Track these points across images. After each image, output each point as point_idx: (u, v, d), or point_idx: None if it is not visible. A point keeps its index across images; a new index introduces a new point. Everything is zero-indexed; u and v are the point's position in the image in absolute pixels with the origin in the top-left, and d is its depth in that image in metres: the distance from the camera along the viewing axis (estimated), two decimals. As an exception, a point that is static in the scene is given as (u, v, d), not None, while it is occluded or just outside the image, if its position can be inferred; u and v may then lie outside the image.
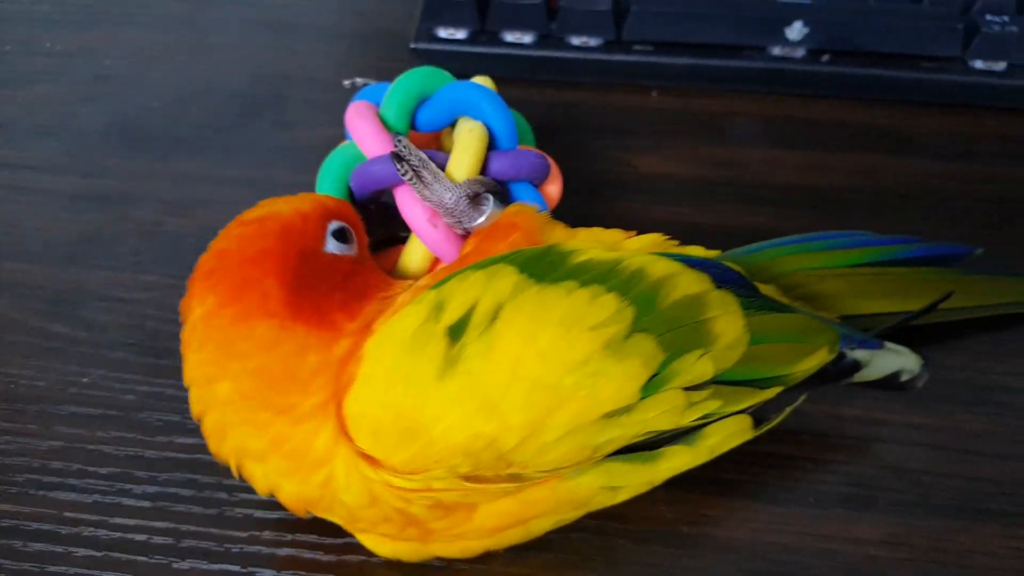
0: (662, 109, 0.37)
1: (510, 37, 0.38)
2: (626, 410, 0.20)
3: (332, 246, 0.23)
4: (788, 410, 0.24)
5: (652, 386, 0.21)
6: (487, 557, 0.23)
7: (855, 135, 0.37)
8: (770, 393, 0.22)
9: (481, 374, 0.20)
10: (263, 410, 0.21)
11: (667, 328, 0.21)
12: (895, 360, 0.25)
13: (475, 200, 0.25)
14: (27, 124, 0.36)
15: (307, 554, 0.24)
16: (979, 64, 0.37)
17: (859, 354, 0.24)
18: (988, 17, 0.38)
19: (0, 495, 0.25)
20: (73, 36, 0.40)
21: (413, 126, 0.28)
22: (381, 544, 0.22)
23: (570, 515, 0.23)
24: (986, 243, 0.32)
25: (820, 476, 0.26)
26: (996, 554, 0.25)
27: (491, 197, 0.25)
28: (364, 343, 0.21)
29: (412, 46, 0.38)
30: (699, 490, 0.25)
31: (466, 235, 0.25)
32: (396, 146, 0.25)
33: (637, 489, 0.22)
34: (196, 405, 0.22)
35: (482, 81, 0.29)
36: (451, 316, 0.20)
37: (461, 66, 0.37)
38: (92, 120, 0.36)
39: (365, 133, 0.26)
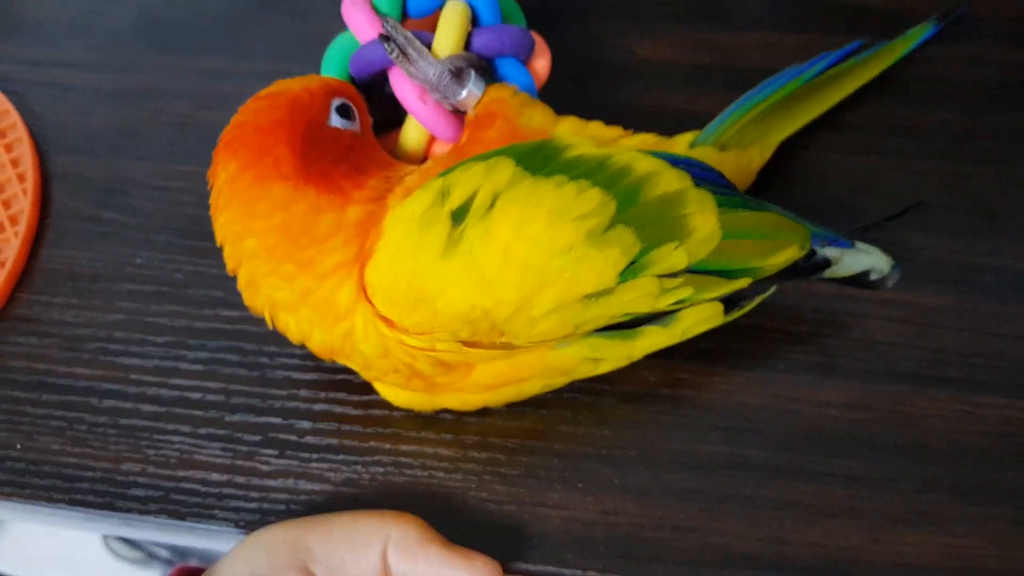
0: (665, -8, 0.38)
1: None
2: (606, 292, 0.23)
3: (336, 120, 0.25)
4: (758, 299, 0.26)
5: (630, 272, 0.23)
6: (489, 412, 0.27)
7: (853, 15, 0.37)
8: (739, 283, 0.25)
9: (478, 254, 0.22)
10: (287, 263, 0.23)
11: (646, 221, 0.23)
12: (866, 259, 0.26)
13: (457, 75, 0.26)
14: (60, 22, 0.37)
15: (338, 408, 0.28)
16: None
17: (830, 252, 0.26)
18: None
19: (75, 361, 0.29)
20: (96, -71, 0.40)
21: (406, 13, 0.29)
22: (396, 394, 0.26)
23: (557, 380, 0.26)
24: (975, 124, 0.33)
25: (790, 346, 0.29)
26: (949, 417, 0.27)
27: (472, 72, 0.26)
28: (382, 216, 0.23)
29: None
30: (678, 355, 0.28)
31: (455, 111, 0.27)
32: (384, 27, 0.26)
33: (617, 362, 0.25)
34: (229, 260, 0.25)
35: None
36: (454, 201, 0.23)
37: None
38: (120, 17, 0.37)
39: (359, 21, 0.27)
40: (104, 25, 0.37)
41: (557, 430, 0.27)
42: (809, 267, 0.26)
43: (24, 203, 0.31)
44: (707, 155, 0.28)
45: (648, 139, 0.28)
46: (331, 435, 0.27)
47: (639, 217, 0.23)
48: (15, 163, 0.33)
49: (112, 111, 0.35)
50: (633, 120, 0.33)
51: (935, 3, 0.37)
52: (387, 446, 0.27)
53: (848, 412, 0.27)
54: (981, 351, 0.28)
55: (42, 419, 0.28)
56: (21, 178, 0.32)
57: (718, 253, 0.24)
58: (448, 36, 0.27)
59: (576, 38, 0.36)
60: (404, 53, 0.26)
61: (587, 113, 0.33)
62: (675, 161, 0.25)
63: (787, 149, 0.32)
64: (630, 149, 0.25)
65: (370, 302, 0.23)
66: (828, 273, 0.26)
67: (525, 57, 0.28)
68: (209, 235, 0.30)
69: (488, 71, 0.27)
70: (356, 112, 0.26)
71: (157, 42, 0.37)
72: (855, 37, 0.36)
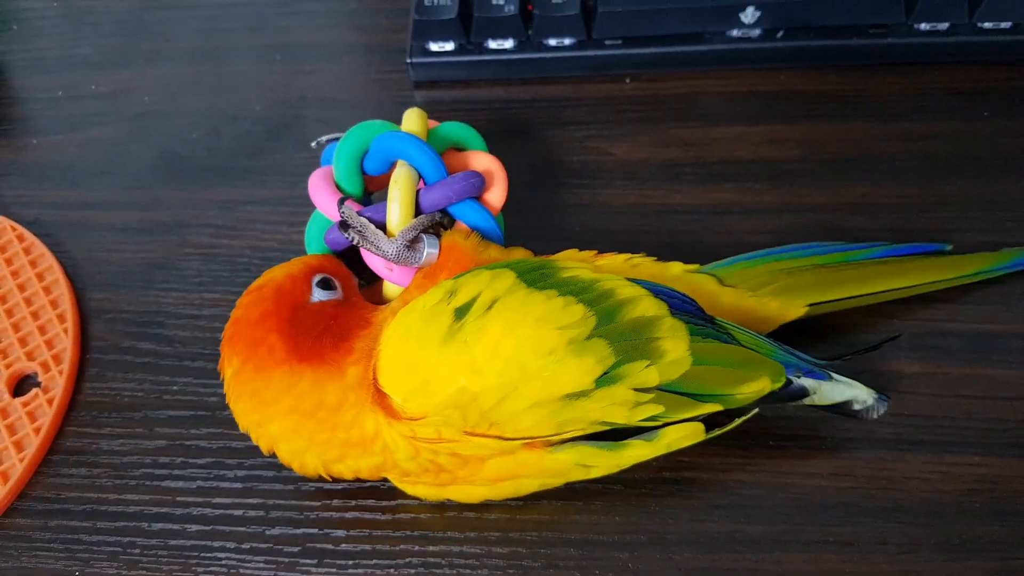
0: (635, 96, 0.40)
1: (493, 44, 0.41)
2: (582, 395, 0.25)
3: (318, 295, 0.28)
4: (737, 421, 0.28)
5: (604, 381, 0.25)
6: (507, 507, 0.29)
7: (809, 103, 0.39)
8: (709, 408, 0.27)
9: (473, 345, 0.25)
10: (318, 433, 0.26)
11: (621, 339, 0.26)
12: (845, 391, 0.28)
13: (413, 244, 0.29)
14: (87, 165, 0.40)
15: (368, 515, 0.29)
16: (923, 26, 0.40)
17: (806, 382, 0.27)
18: (930, -20, 0.40)
19: (123, 488, 0.30)
20: (112, 76, 0.43)
21: (366, 173, 0.32)
22: (413, 488, 0.28)
23: (552, 481, 0.28)
24: (928, 195, 0.36)
25: (777, 421, 0.30)
26: (928, 479, 0.29)
27: (425, 237, 0.29)
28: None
29: (408, 60, 0.41)
30: (677, 440, 0.30)
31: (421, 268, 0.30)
32: (341, 215, 0.30)
33: (607, 470, 0.27)
34: (262, 444, 0.27)
35: (414, 115, 0.32)
36: (459, 300, 0.26)
37: (452, 73, 0.41)
38: (142, 157, 0.40)
39: (324, 204, 0.31)
40: (126, 166, 0.40)
41: (571, 520, 0.29)
42: (786, 396, 0.27)
43: (66, 341, 0.33)
44: (703, 282, 0.30)
45: (645, 261, 0.30)
46: (364, 541, 0.29)
47: (615, 334, 0.26)
48: (54, 304, 0.35)
49: (140, 246, 0.37)
50: (615, 216, 0.36)
51: (890, 89, 0.39)
52: (416, 548, 0.29)
53: (834, 481, 0.29)
54: (952, 413, 0.30)
55: (97, 546, 0.29)
56: (61, 318, 0.34)
57: (688, 377, 0.26)
58: (396, 213, 0.30)
59: (557, 145, 0.39)
60: (362, 236, 0.29)
61: (572, 213, 0.36)
62: (656, 291, 0.27)
63: (747, 233, 0.35)
64: (619, 276, 0.28)
65: (379, 402, 0.26)
66: (807, 401, 0.28)
67: (477, 195, 0.31)
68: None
69: (443, 222, 0.31)
70: (337, 281, 0.29)
71: (177, 178, 0.39)
72: (814, 123, 0.38)
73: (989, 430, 0.30)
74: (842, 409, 0.28)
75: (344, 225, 0.30)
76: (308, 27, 0.45)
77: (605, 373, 0.25)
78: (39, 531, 0.30)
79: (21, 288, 0.35)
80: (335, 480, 0.28)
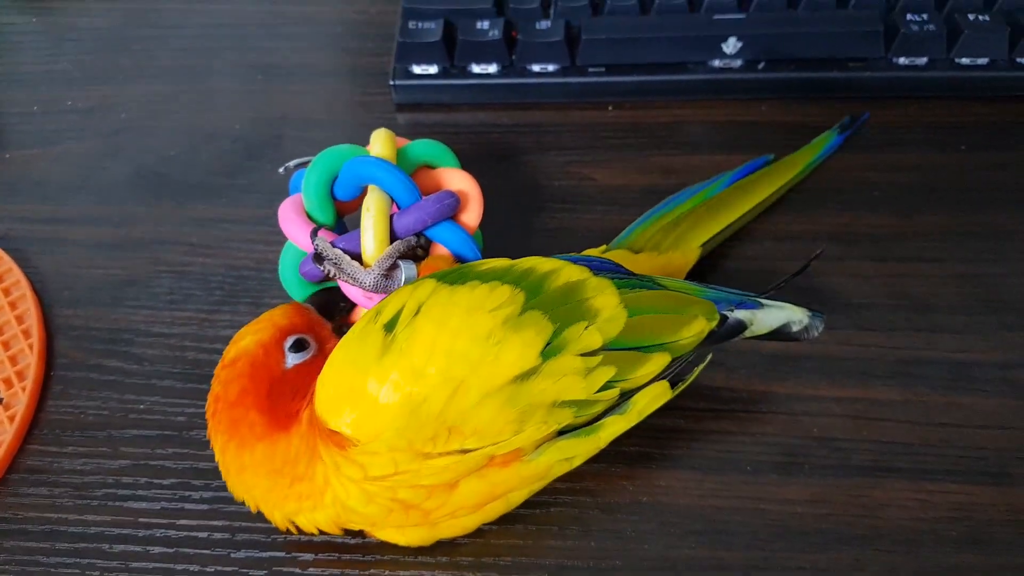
0: (617, 123, 0.42)
1: (477, 69, 0.42)
2: (531, 373, 0.26)
3: (292, 359, 0.29)
4: (697, 370, 0.29)
5: (549, 352, 0.26)
6: (480, 532, 0.29)
7: (789, 134, 0.40)
8: (659, 358, 0.27)
9: (409, 351, 0.25)
10: (284, 488, 0.27)
11: (554, 306, 0.26)
12: (779, 315, 0.29)
13: (391, 272, 0.30)
14: (60, 180, 0.40)
15: (337, 539, 0.29)
16: (902, 60, 0.41)
17: (740, 314, 0.29)
18: (908, 17, 0.41)
19: (85, 508, 0.30)
20: (91, 92, 0.44)
21: (337, 199, 0.32)
22: (400, 535, 0.28)
23: (538, 485, 0.28)
24: (906, 225, 0.37)
25: (755, 448, 0.31)
26: (905, 506, 0.29)
27: (401, 264, 0.30)
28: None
29: (391, 83, 0.42)
30: (654, 465, 0.31)
31: None
32: (315, 248, 0.30)
33: (587, 455, 0.28)
34: (248, 504, 0.28)
35: (381, 136, 0.32)
36: (384, 317, 0.26)
37: (435, 96, 0.42)
38: (117, 172, 0.40)
39: (296, 235, 0.31)
40: (100, 182, 0.40)
41: (545, 545, 0.29)
42: (726, 332, 0.28)
43: (31, 358, 0.33)
44: (619, 256, 0.32)
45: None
46: (332, 565, 0.29)
47: (546, 303, 0.26)
48: (20, 319, 0.35)
49: (111, 262, 0.37)
50: (597, 239, 0.37)
51: (871, 119, 0.41)
52: (385, 572, 0.29)
53: (812, 507, 0.30)
54: (929, 441, 0.31)
55: (55, 568, 0.29)
56: (26, 334, 0.34)
57: (629, 331, 0.27)
58: (371, 241, 0.30)
59: (539, 170, 0.40)
60: (338, 268, 0.30)
61: (553, 236, 0.37)
62: (574, 260, 0.29)
63: (726, 257, 0.36)
64: (534, 256, 0.29)
65: (326, 439, 0.26)
66: (748, 333, 0.29)
67: (451, 216, 0.32)
68: (208, 377, 0.32)
69: (420, 244, 0.31)
70: (311, 339, 0.29)
71: (152, 195, 0.39)
72: (796, 145, 0.40)
73: (966, 458, 0.30)
74: (781, 334, 0.29)
75: (318, 258, 0.30)
76: (292, 48, 0.46)
77: (548, 344, 0.26)
78: (-6, 551, 0.29)
79: (-14, 302, 0.35)
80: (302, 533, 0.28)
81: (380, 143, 0.32)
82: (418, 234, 0.31)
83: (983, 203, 0.38)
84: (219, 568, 0.29)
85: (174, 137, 0.42)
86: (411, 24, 0.42)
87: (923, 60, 0.41)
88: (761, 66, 0.42)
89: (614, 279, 0.28)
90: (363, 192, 0.32)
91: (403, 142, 0.34)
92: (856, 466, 0.30)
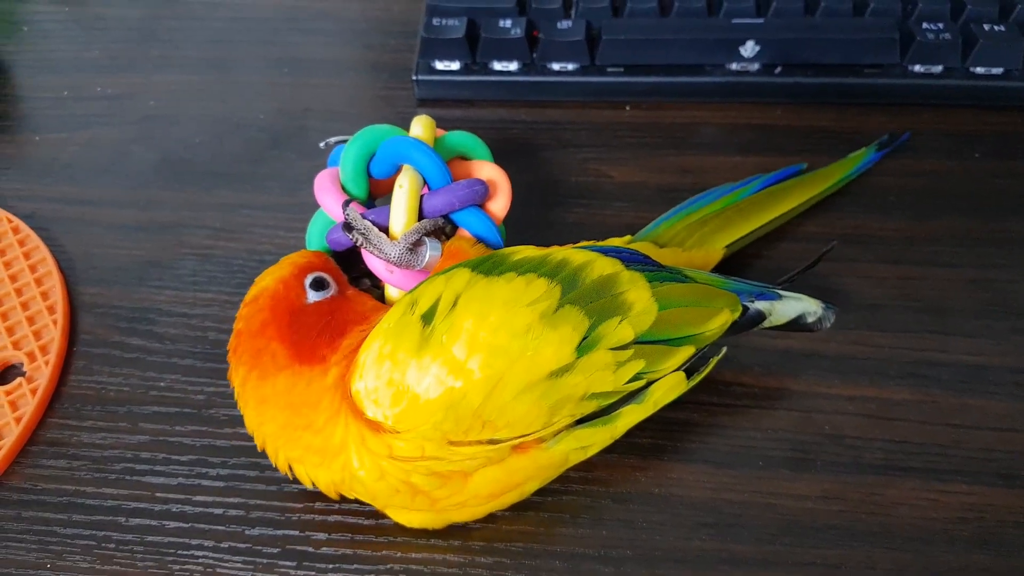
0: (635, 122, 0.41)
1: (498, 66, 0.42)
2: (567, 368, 0.25)
3: (312, 295, 0.29)
4: (714, 361, 0.29)
5: (584, 348, 0.25)
6: (493, 517, 0.28)
7: (805, 138, 0.40)
8: (685, 351, 0.27)
9: (448, 344, 0.25)
10: (295, 430, 0.26)
11: (589, 300, 0.26)
12: (796, 305, 0.29)
13: (415, 248, 0.30)
14: (88, 163, 0.40)
15: (351, 519, 0.29)
16: (917, 68, 0.41)
17: (760, 305, 0.29)
18: (924, 25, 0.41)
19: (102, 482, 0.30)
20: (119, 80, 0.44)
21: (372, 176, 0.32)
22: (408, 517, 0.27)
23: (553, 473, 0.28)
24: (919, 230, 0.36)
25: (768, 443, 0.30)
26: (916, 504, 0.29)
27: (427, 241, 0.30)
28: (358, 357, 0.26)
29: (413, 78, 0.42)
30: (667, 457, 0.30)
31: (423, 271, 0.30)
32: (346, 217, 0.30)
33: (603, 444, 0.28)
34: (258, 442, 0.28)
35: (422, 121, 0.32)
36: (422, 308, 0.26)
37: (456, 92, 0.42)
38: (144, 158, 0.40)
39: (329, 205, 0.31)
40: (127, 167, 0.40)
41: (557, 532, 0.29)
42: (746, 323, 0.28)
43: (54, 332, 0.33)
44: (643, 248, 0.31)
45: (586, 245, 0.31)
46: (345, 545, 0.28)
47: (582, 297, 0.26)
48: (45, 296, 0.34)
49: (136, 244, 0.37)
50: (612, 236, 0.36)
51: (883, 127, 0.40)
52: (398, 554, 0.28)
53: (824, 504, 0.29)
54: (941, 441, 0.30)
55: (71, 539, 0.29)
56: (51, 310, 0.34)
57: (659, 324, 0.27)
58: (400, 216, 0.30)
59: (558, 166, 0.39)
60: (366, 238, 0.30)
61: (570, 231, 0.37)
62: (605, 251, 0.28)
63: (746, 258, 0.35)
64: (566, 247, 0.28)
65: (359, 414, 0.25)
66: (767, 323, 0.29)
67: (480, 203, 0.31)
68: (228, 357, 0.32)
69: (445, 228, 0.31)
70: (330, 279, 0.29)
71: (177, 180, 0.39)
72: (808, 157, 0.39)
73: (978, 459, 0.30)
74: (796, 325, 0.29)
75: (347, 227, 0.30)
76: (317, 43, 0.45)
77: (584, 339, 0.25)
78: (12, 521, 0.29)
79: (13, 278, 0.35)
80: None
81: (420, 127, 0.32)
82: (445, 217, 0.31)
83: (996, 209, 0.37)
84: (233, 544, 0.28)
85: (200, 125, 0.42)
86: (435, 21, 0.41)
87: (938, 68, 0.41)
88: (778, 70, 0.41)
89: (645, 272, 0.27)
90: (397, 172, 0.31)
91: (441, 132, 0.34)
92: (868, 464, 0.30)
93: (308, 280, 0.29)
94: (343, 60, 0.45)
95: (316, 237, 0.33)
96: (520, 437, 0.26)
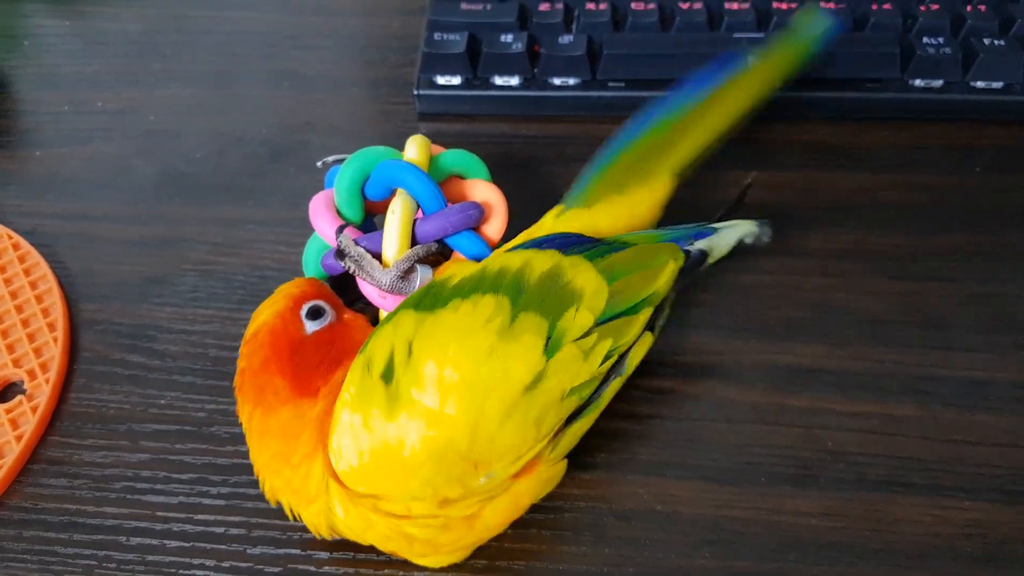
0: (637, 137, 0.41)
1: (499, 81, 0.42)
2: (539, 377, 0.25)
3: (310, 326, 0.28)
4: (667, 309, 0.30)
5: (551, 349, 0.25)
6: (496, 535, 0.28)
7: (805, 153, 0.40)
8: (644, 314, 0.28)
9: (419, 397, 0.24)
10: (278, 460, 0.26)
11: (540, 301, 0.26)
12: (732, 233, 0.30)
13: (407, 275, 0.30)
14: (89, 178, 0.40)
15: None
16: (918, 82, 0.41)
17: (700, 244, 0.29)
18: (924, 40, 0.41)
19: (103, 500, 0.30)
20: (120, 95, 0.44)
21: (367, 198, 0.32)
22: (430, 560, 0.27)
23: (560, 475, 0.28)
24: (920, 244, 0.36)
25: (770, 460, 0.30)
26: (921, 522, 0.29)
27: (419, 268, 0.30)
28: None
29: (415, 92, 0.42)
30: (670, 474, 0.30)
31: None
32: (339, 244, 0.30)
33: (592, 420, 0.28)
34: (256, 472, 0.27)
35: (416, 142, 0.32)
36: (378, 367, 0.25)
37: (458, 107, 0.42)
38: (145, 172, 0.40)
39: (323, 229, 0.31)
40: (128, 181, 0.40)
41: (559, 550, 0.29)
42: (691, 265, 0.29)
43: (55, 350, 0.33)
44: (575, 216, 0.31)
45: (521, 236, 0.31)
46: (347, 564, 0.28)
47: (532, 300, 0.26)
48: (46, 313, 0.35)
49: (137, 260, 0.37)
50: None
51: (883, 142, 0.40)
52: (400, 573, 0.28)
53: (826, 520, 0.29)
54: (943, 457, 0.30)
55: (72, 558, 0.29)
56: (51, 327, 0.34)
57: (613, 298, 0.27)
58: (392, 243, 0.30)
59: (559, 181, 0.39)
60: (359, 266, 0.30)
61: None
62: (539, 243, 0.28)
63: (745, 273, 0.35)
64: (499, 252, 0.28)
65: (348, 488, 0.25)
66: (711, 260, 0.30)
67: (475, 226, 0.31)
68: (229, 375, 0.32)
69: (442, 252, 0.31)
70: (326, 306, 0.29)
71: (178, 195, 0.39)
72: (807, 172, 0.39)
73: (981, 475, 0.30)
74: (740, 250, 0.31)
75: (340, 254, 0.30)
76: (318, 58, 0.46)
77: (548, 339, 0.25)
78: (13, 541, 0.29)
79: (13, 295, 0.35)
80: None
81: (415, 148, 0.32)
82: (439, 241, 0.31)
83: (997, 224, 0.37)
84: (235, 563, 0.28)
85: (201, 140, 0.42)
86: (436, 36, 0.42)
87: (939, 83, 0.41)
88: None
89: (584, 252, 0.28)
90: (392, 194, 0.31)
91: (438, 150, 0.34)
92: (871, 480, 0.30)
93: (304, 310, 0.29)
94: (344, 75, 0.45)
95: (312, 261, 0.33)
96: (515, 461, 0.25)
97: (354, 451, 0.25)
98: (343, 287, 0.32)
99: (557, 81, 0.42)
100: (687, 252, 0.29)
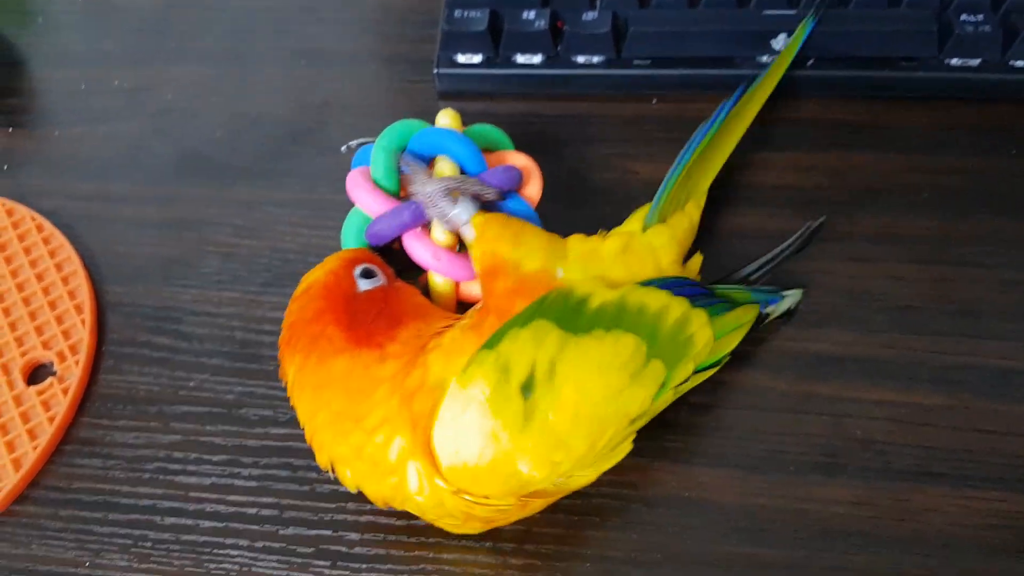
0: (661, 116, 0.42)
1: (521, 59, 0.43)
2: (641, 415, 0.28)
3: (363, 284, 0.30)
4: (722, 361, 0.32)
5: (659, 393, 0.29)
6: (523, 519, 0.30)
7: (836, 132, 0.41)
8: (720, 364, 0.32)
9: (552, 422, 0.27)
10: (346, 421, 0.27)
11: (667, 350, 0.29)
12: (790, 300, 0.34)
13: (450, 196, 0.32)
14: (108, 158, 0.42)
15: (383, 520, 0.31)
16: (954, 61, 0.42)
17: (769, 310, 0.33)
18: (963, 17, 0.42)
19: (136, 481, 0.32)
20: (136, 73, 0.45)
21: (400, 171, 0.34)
22: (449, 527, 0.29)
23: None
24: (952, 229, 0.37)
25: (799, 448, 0.32)
26: (947, 512, 0.30)
27: (462, 199, 0.32)
28: (421, 373, 0.27)
29: (435, 71, 0.43)
30: (697, 461, 0.32)
31: (461, 251, 0.32)
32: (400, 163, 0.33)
33: None
34: (307, 435, 0.29)
35: (448, 114, 0.35)
36: (518, 376, 0.27)
37: (478, 85, 0.43)
38: (163, 153, 0.42)
39: (364, 200, 0.33)
40: (147, 162, 0.41)
41: (587, 535, 0.30)
42: (758, 326, 0.33)
43: (83, 332, 0.35)
44: (661, 234, 0.34)
45: (618, 239, 0.33)
46: (378, 545, 0.30)
47: (662, 349, 0.29)
48: (72, 295, 0.36)
49: (159, 241, 0.38)
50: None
51: (916, 122, 0.41)
52: (430, 555, 0.30)
53: (853, 509, 0.30)
54: (972, 447, 0.32)
55: (108, 537, 0.30)
56: (79, 309, 0.36)
57: (710, 353, 0.30)
58: (446, 168, 0.33)
59: (582, 161, 0.41)
60: (413, 172, 0.32)
61: (595, 228, 0.37)
62: (672, 284, 0.30)
63: (781, 260, 0.36)
64: (633, 284, 0.30)
65: (424, 449, 0.27)
66: (766, 320, 0.34)
67: (516, 188, 0.34)
68: (257, 357, 0.34)
69: (488, 192, 0.33)
70: (378, 269, 0.31)
71: (197, 176, 0.41)
72: (840, 152, 0.40)
73: (1009, 466, 0.31)
74: (785, 316, 0.35)
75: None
76: (334, 34, 0.47)
77: (662, 385, 0.29)
78: (50, 520, 0.31)
79: (39, 277, 0.37)
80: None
81: (448, 119, 0.34)
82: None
83: (1032, 208, 0.38)
84: (267, 544, 0.30)
85: (218, 119, 0.43)
86: (457, 13, 0.42)
87: (976, 61, 0.42)
88: (810, 63, 0.42)
89: (707, 308, 0.30)
90: (430, 165, 0.33)
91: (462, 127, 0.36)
92: (898, 470, 0.31)
93: (358, 270, 0.30)
94: (361, 52, 0.46)
95: (353, 235, 0.34)
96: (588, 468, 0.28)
97: (474, 453, 0.26)
98: (389, 259, 0.33)
99: (581, 59, 0.42)
100: (762, 316, 0.33)
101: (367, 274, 0.30)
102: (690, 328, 0.29)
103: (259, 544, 0.30)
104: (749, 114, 0.38)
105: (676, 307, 0.30)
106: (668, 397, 0.29)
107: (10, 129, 0.43)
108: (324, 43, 0.46)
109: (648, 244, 0.33)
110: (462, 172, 0.33)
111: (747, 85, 0.39)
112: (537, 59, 0.43)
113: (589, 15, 0.42)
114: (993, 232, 0.37)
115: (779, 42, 0.41)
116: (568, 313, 0.28)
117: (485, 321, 0.28)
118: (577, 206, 0.39)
